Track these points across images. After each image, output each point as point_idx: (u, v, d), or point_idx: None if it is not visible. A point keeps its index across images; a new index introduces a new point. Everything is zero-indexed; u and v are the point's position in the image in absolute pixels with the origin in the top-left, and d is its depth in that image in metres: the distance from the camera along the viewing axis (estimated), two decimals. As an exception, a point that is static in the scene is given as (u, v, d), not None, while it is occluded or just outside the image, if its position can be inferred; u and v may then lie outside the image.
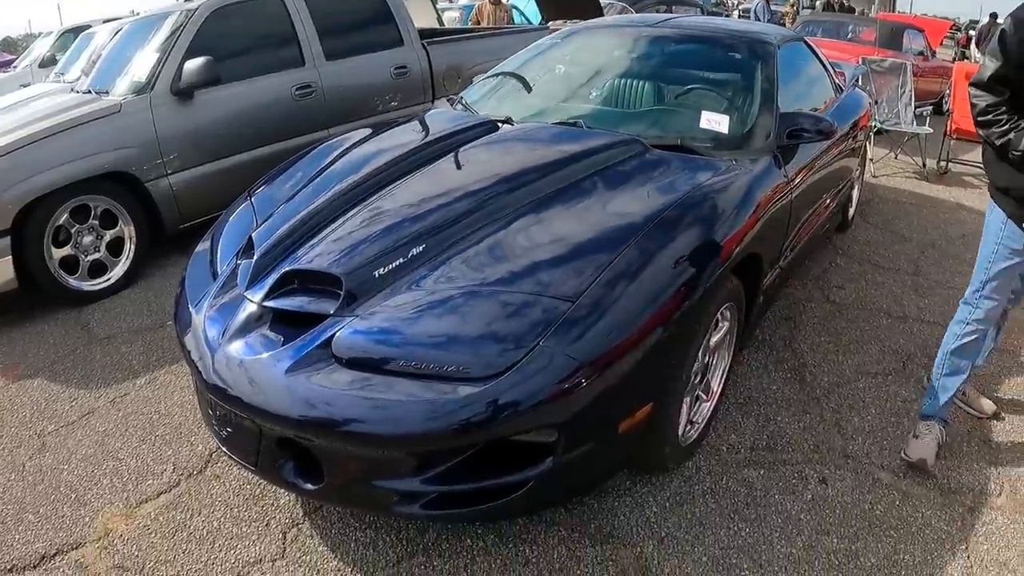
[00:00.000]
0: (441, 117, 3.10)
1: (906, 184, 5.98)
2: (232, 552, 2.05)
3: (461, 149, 2.58)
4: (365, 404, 1.62)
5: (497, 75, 3.58)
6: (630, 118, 3.08)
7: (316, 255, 2.02)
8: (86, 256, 3.61)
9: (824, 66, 4.02)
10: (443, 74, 5.45)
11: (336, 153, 2.78)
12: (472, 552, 2.02)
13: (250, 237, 2.26)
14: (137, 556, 2.05)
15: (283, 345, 1.79)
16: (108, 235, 3.66)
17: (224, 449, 1.99)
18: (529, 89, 3.40)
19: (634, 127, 2.91)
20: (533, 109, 3.16)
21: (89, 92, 3.94)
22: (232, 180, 4.10)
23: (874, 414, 2.69)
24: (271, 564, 2.01)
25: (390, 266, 1.93)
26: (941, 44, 15.01)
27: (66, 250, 3.51)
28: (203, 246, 2.51)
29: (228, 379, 1.79)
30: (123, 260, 3.74)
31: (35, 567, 2.03)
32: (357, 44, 4.90)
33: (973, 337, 2.39)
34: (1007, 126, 2.07)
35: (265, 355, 1.78)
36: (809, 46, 3.97)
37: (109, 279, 3.68)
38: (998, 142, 2.10)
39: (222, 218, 2.65)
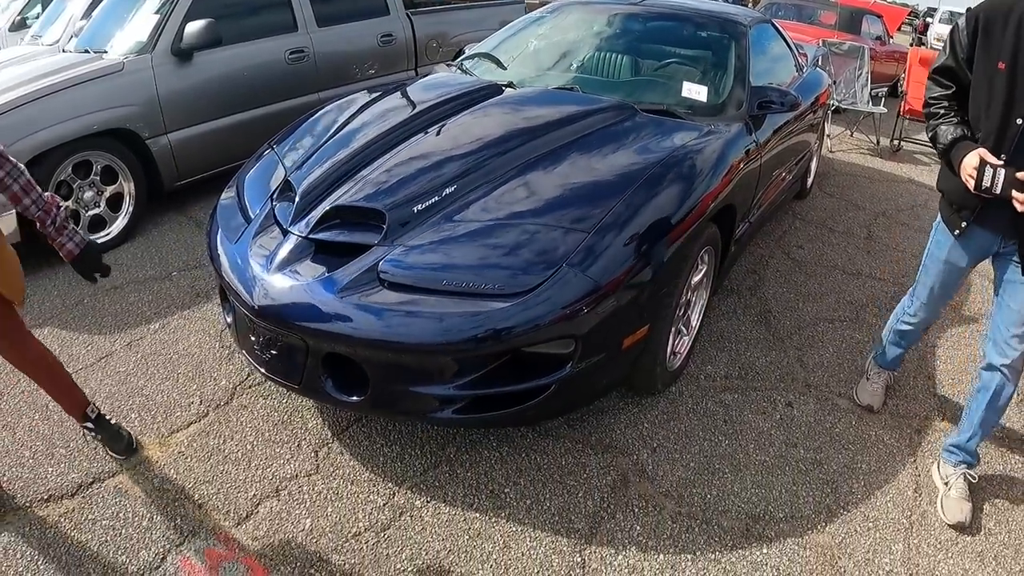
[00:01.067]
0: (450, 80, 3.32)
1: (860, 160, 6.43)
2: (268, 470, 2.28)
3: (476, 107, 2.84)
4: (411, 319, 1.88)
5: (492, 44, 3.84)
6: (620, 86, 3.37)
7: (357, 193, 2.25)
8: (87, 211, 3.73)
9: (789, 46, 4.37)
10: (426, 43, 5.64)
11: (355, 108, 2.99)
12: (489, 461, 2.31)
13: (287, 180, 2.48)
14: (175, 479, 2.24)
15: (332, 271, 2.03)
16: (108, 191, 3.79)
17: (264, 372, 2.20)
18: (524, 58, 3.69)
19: (623, 94, 3.20)
20: (531, 75, 3.44)
21: (87, 52, 4.02)
22: (227, 139, 4.27)
23: (832, 352, 3.07)
24: (307, 478, 2.24)
25: (427, 203, 2.20)
26: (899, 30, 15.72)
27: (68, 204, 3.63)
28: (228, 194, 2.70)
29: (279, 303, 2.01)
30: (122, 215, 3.87)
31: (73, 495, 2.16)
32: (346, 11, 5.06)
33: (908, 328, 2.54)
34: (939, 120, 2.06)
35: (317, 280, 1.99)
36: (776, 27, 4.32)
37: (109, 233, 3.81)
38: (928, 134, 2.12)
39: (244, 169, 2.85)
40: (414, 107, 2.86)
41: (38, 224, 1.91)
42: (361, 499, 2.17)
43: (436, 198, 2.22)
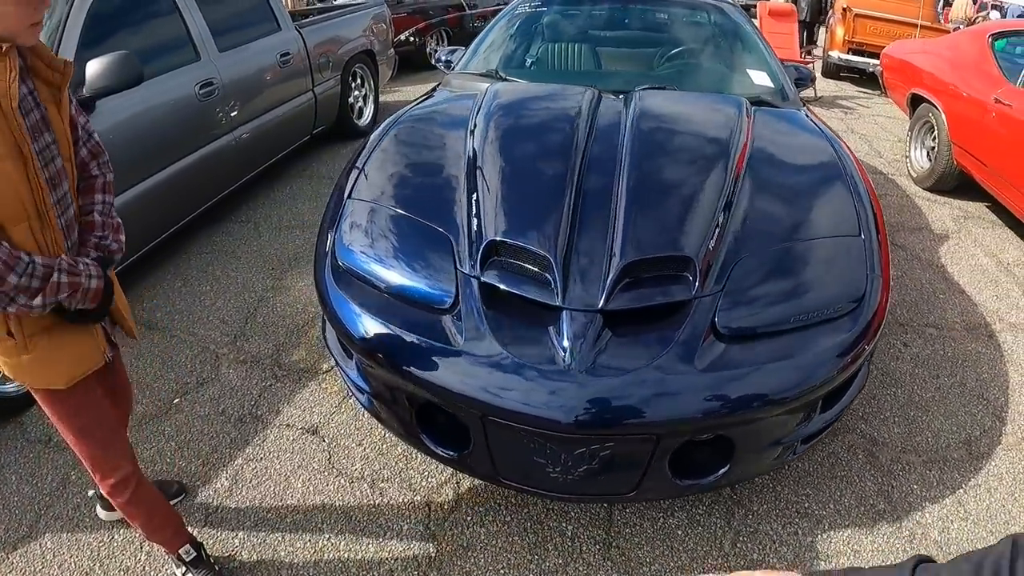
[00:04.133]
0: (536, 93, 2.90)
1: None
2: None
3: (625, 121, 2.55)
4: (775, 369, 1.76)
5: (505, 47, 3.54)
6: (683, 78, 3.25)
7: (634, 244, 1.94)
8: None
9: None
10: (317, 59, 4.95)
11: (471, 144, 2.49)
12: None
13: (494, 243, 1.99)
14: None
15: (666, 344, 1.76)
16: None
17: (567, 495, 1.84)
18: (556, 59, 3.49)
19: (694, 85, 3.12)
20: (587, 77, 3.27)
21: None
22: (154, 207, 3.34)
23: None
24: None
25: (713, 238, 2.02)
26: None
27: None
28: (355, 294, 2.03)
29: (612, 405, 1.67)
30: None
31: None
32: (242, 32, 4.23)
33: None
34: None
35: (660, 359, 1.72)
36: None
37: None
38: None
39: (344, 246, 2.18)
40: (560, 130, 2.49)
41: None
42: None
43: (717, 230, 2.05)
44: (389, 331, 1.87)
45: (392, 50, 6.49)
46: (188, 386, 2.71)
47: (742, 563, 1.99)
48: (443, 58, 3.75)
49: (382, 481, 2.27)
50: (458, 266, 1.98)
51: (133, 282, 3.37)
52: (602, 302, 1.80)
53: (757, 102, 2.95)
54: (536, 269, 1.92)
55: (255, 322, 3.13)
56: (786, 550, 2.04)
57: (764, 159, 2.46)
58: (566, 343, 1.73)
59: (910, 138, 5.47)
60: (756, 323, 1.84)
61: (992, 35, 4.71)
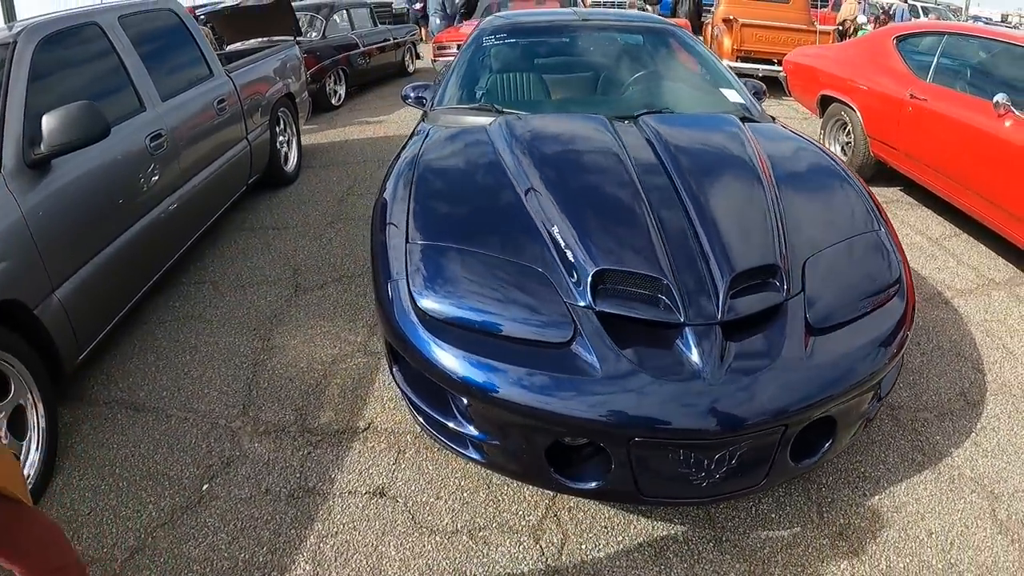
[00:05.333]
0: (551, 124, 2.97)
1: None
2: None
3: (652, 144, 2.68)
4: (869, 346, 2.01)
5: (486, 79, 3.55)
6: (671, 100, 3.37)
7: (724, 256, 2.08)
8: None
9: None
10: (248, 104, 4.70)
11: (540, 174, 2.48)
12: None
13: (600, 271, 2.02)
14: None
15: (778, 343, 1.91)
16: (-2, 414, 2.36)
17: (710, 497, 1.94)
18: (541, 89, 3.56)
19: (683, 105, 3.26)
20: (581, 105, 3.41)
21: None
22: (118, 278, 3.03)
23: None
24: None
25: (783, 246, 2.18)
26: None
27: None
28: (463, 349, 1.94)
29: (752, 406, 1.79)
30: (35, 439, 2.44)
31: None
32: (180, 78, 3.96)
33: None
34: None
35: (780, 356, 1.88)
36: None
37: (27, 477, 2.38)
38: None
39: (426, 290, 2.08)
40: (606, 158, 2.58)
41: None
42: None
43: (781, 238, 2.22)
44: (513, 374, 1.83)
45: (306, 92, 6.29)
46: (213, 468, 2.43)
47: (833, 529, 2.17)
48: (412, 95, 3.71)
49: (480, 530, 2.14)
50: (566, 299, 1.99)
51: (93, 361, 3.00)
52: (720, 314, 1.93)
53: (742, 118, 3.12)
54: (646, 291, 2.00)
55: (260, 389, 2.87)
56: (863, 510, 2.25)
57: (781, 169, 2.65)
58: (697, 356, 1.85)
59: (823, 135, 5.93)
60: (837, 315, 2.05)
61: (897, 37, 5.23)
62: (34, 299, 2.49)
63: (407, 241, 2.22)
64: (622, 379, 1.80)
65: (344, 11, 9.25)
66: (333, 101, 8.55)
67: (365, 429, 2.60)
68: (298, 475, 2.38)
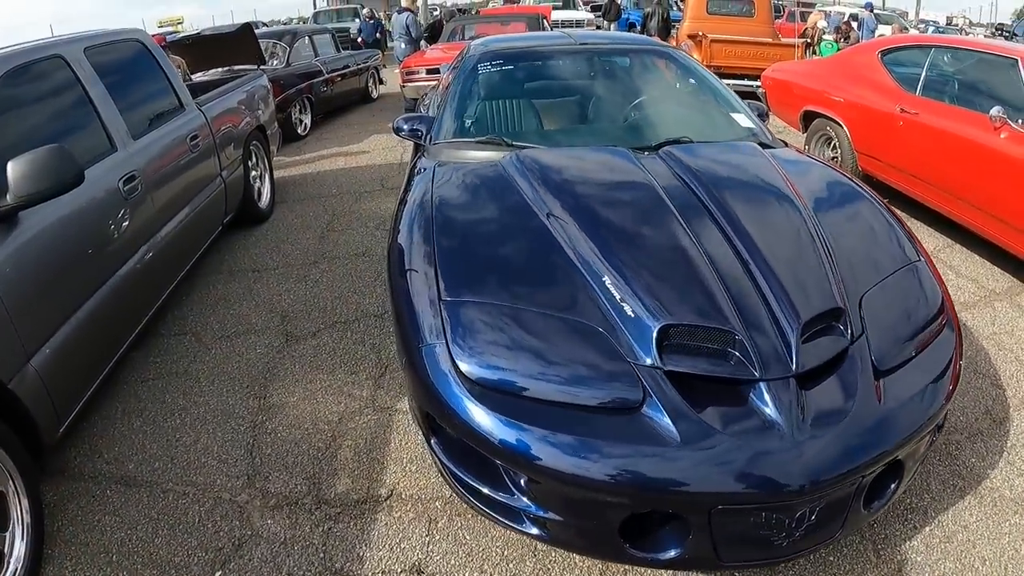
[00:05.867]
0: (573, 156, 2.83)
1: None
2: None
3: (684, 179, 2.55)
4: (932, 381, 1.95)
5: (486, 110, 3.39)
6: (686, 127, 3.24)
7: (786, 304, 1.96)
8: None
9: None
10: (221, 139, 4.46)
11: (578, 219, 2.31)
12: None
13: (665, 328, 1.86)
14: None
15: (851, 390, 1.82)
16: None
17: (791, 554, 1.82)
18: (548, 119, 3.45)
19: (699, 133, 3.12)
20: (595, 135, 3.25)
21: None
22: (97, 337, 2.77)
23: None
24: None
25: (839, 283, 2.10)
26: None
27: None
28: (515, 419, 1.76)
29: (833, 460, 1.70)
30: (20, 534, 2.16)
31: None
32: (151, 114, 3.71)
33: None
34: None
35: (855, 407, 1.78)
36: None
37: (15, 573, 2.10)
38: None
39: (468, 351, 1.88)
40: (644, 196, 2.44)
41: None
42: None
43: (835, 276, 2.12)
44: (581, 445, 1.67)
45: (276, 123, 6.06)
46: (224, 552, 2.18)
47: (891, 567, 2.09)
48: (406, 127, 3.43)
49: (536, 607, 1.94)
50: (629, 358, 1.82)
51: (73, 428, 2.71)
52: (795, 366, 1.81)
53: (759, 143, 3.05)
54: (715, 346, 1.85)
55: (264, 455, 2.62)
56: (916, 544, 2.18)
57: (815, 199, 2.55)
58: (777, 413, 1.73)
59: (807, 150, 5.93)
60: (898, 353, 1.98)
61: (882, 51, 5.25)
62: (7, 372, 2.22)
63: (440, 298, 2.01)
64: (703, 444, 1.65)
65: (307, 38, 9.04)
66: (299, 131, 8.31)
67: (388, 497, 2.38)
68: (321, 555, 2.15)
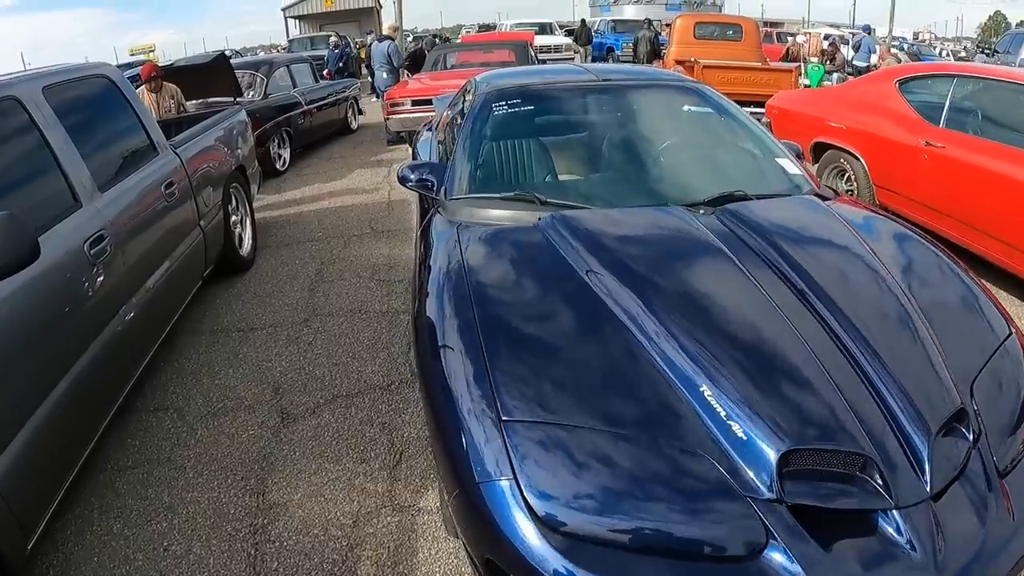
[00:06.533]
0: (624, 221, 2.45)
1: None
2: None
3: (761, 251, 2.20)
4: None
5: (506, 159, 3.05)
6: (735, 179, 2.91)
7: (918, 411, 1.66)
8: None
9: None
10: (199, 184, 4.06)
11: (658, 309, 1.92)
12: None
13: (789, 453, 1.52)
14: None
15: (983, 504, 1.56)
16: None
17: None
18: (571, 169, 3.12)
19: (751, 184, 2.77)
20: (638, 192, 2.84)
21: None
22: (69, 420, 2.36)
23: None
24: None
25: (951, 374, 1.81)
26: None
27: None
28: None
29: None
30: None
31: None
32: (120, 160, 3.31)
33: None
34: None
35: (989, 521, 1.54)
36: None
37: None
38: None
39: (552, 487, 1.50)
40: (726, 276, 2.08)
41: None
42: None
43: (946, 366, 1.82)
44: None
45: (256, 161, 5.67)
46: None
47: None
48: (413, 178, 2.97)
49: None
50: (743, 491, 1.48)
51: (45, 535, 2.28)
52: (930, 488, 1.53)
53: (816, 196, 2.75)
54: (842, 470, 1.54)
55: (270, 571, 2.21)
56: None
57: (901, 269, 2.24)
58: (916, 544, 1.43)
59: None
60: (1013, 447, 1.72)
61: (899, 81, 5.04)
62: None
63: (500, 418, 1.61)
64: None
65: (284, 68, 8.67)
66: (278, 166, 7.91)
67: (422, 627, 2.00)
68: None
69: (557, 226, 2.32)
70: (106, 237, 2.79)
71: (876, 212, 2.78)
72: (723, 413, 1.59)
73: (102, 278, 2.70)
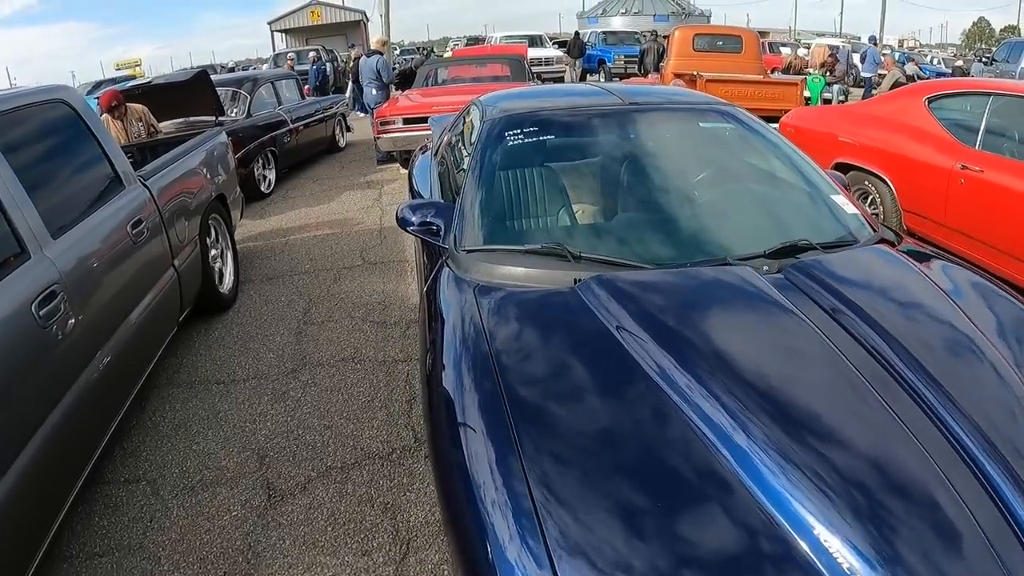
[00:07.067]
0: (680, 289, 2.04)
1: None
2: None
3: (846, 325, 1.82)
4: None
5: (529, 202, 2.73)
6: (779, 223, 2.55)
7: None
8: None
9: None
10: (172, 219, 3.67)
11: (744, 421, 1.50)
12: None
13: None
14: None
15: None
16: None
17: None
18: (602, 213, 2.75)
19: (811, 231, 2.41)
20: (679, 241, 2.44)
21: None
22: (22, 512, 1.96)
23: None
24: None
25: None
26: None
27: None
28: None
29: None
30: None
31: None
32: (79, 198, 2.92)
33: None
34: None
35: None
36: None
37: None
38: None
39: None
40: (819, 364, 1.69)
41: None
42: None
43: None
44: None
45: (238, 188, 5.29)
46: None
47: None
48: (416, 221, 2.54)
49: None
50: None
51: None
52: None
53: (881, 241, 2.39)
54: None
55: None
56: None
57: (995, 334, 1.89)
58: None
59: (839, 208, 5.38)
60: None
61: (929, 99, 4.74)
62: None
63: (551, 557, 1.22)
64: None
65: (269, 84, 8.28)
66: (263, 188, 7.51)
67: None
68: None
69: (600, 291, 1.92)
70: (59, 293, 2.39)
71: (950, 259, 2.41)
72: (828, 546, 1.22)
73: (56, 340, 2.31)
